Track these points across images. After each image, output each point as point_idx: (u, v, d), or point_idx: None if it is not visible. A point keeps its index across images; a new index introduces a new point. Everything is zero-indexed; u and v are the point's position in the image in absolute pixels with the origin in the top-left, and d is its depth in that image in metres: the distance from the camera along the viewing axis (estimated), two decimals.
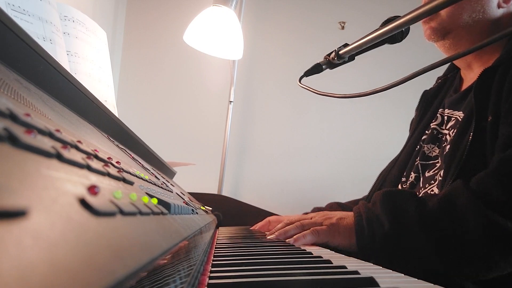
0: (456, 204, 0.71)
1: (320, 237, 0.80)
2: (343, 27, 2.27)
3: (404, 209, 0.75)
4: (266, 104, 2.26)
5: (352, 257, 0.65)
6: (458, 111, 0.96)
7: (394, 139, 1.91)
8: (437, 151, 0.97)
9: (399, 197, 0.79)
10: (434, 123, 1.02)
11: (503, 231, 0.66)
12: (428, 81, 1.17)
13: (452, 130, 0.94)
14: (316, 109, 2.24)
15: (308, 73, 1.02)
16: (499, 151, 0.76)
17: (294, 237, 0.80)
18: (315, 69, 1.01)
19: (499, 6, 0.91)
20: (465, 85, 1.01)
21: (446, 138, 0.95)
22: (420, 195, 0.90)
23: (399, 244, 0.73)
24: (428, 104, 1.10)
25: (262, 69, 2.28)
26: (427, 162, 0.98)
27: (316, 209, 1.15)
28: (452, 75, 1.09)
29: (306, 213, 1.03)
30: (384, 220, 0.76)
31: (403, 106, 2.04)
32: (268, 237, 0.85)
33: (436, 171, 0.94)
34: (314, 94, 0.98)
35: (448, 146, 0.90)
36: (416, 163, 1.00)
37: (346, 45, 0.94)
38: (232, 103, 2.12)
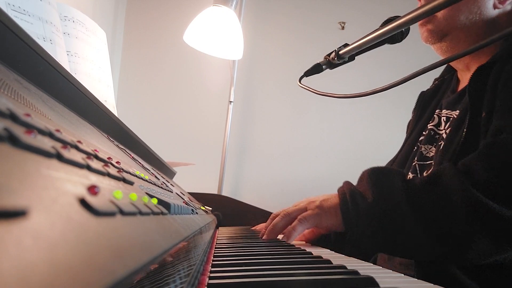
0: (442, 180, 0.72)
1: (309, 223, 0.80)
2: (343, 27, 2.27)
3: (389, 184, 0.76)
4: (266, 104, 2.26)
5: (352, 257, 0.65)
6: (455, 111, 0.96)
7: (394, 139, 1.90)
8: (434, 152, 0.98)
9: (385, 173, 0.80)
10: (431, 124, 1.02)
11: (485, 210, 0.67)
12: (428, 81, 1.17)
13: (449, 129, 0.94)
14: (316, 109, 2.24)
15: (308, 73, 1.02)
16: (488, 138, 0.77)
17: (285, 233, 0.80)
18: (315, 69, 1.01)
19: (495, 7, 0.91)
20: (461, 86, 1.01)
21: (443, 137, 0.95)
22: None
23: (383, 217, 0.73)
24: (425, 105, 1.10)
25: (262, 69, 2.28)
26: (424, 163, 0.98)
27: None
28: (449, 76, 1.09)
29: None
30: (368, 193, 0.76)
31: (403, 106, 2.03)
32: (260, 237, 0.86)
33: None
34: (314, 94, 0.98)
35: (443, 143, 0.91)
36: (413, 164, 1.01)
37: (346, 45, 0.94)
38: (232, 103, 2.12)
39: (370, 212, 0.75)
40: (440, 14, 0.92)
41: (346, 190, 0.80)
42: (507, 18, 0.92)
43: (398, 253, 0.81)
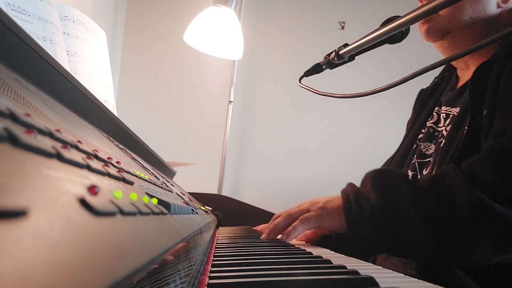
0: (446, 182, 0.72)
1: (310, 223, 0.80)
2: (343, 27, 2.27)
3: (393, 185, 0.76)
4: (266, 104, 2.26)
5: (352, 257, 0.65)
6: (455, 108, 0.96)
7: (394, 139, 1.90)
8: (433, 149, 0.97)
9: (389, 174, 0.79)
10: (430, 122, 1.02)
11: (490, 212, 0.66)
12: (428, 81, 1.17)
13: (449, 126, 0.94)
14: (316, 109, 2.24)
15: (308, 73, 1.02)
16: (491, 139, 0.77)
17: (285, 232, 0.80)
18: (315, 69, 1.01)
19: (498, 6, 0.91)
20: (461, 83, 1.01)
21: (443, 134, 0.95)
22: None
23: (387, 219, 0.73)
24: (424, 103, 1.10)
25: (262, 69, 2.28)
26: (423, 160, 0.98)
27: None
28: (449, 74, 1.09)
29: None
30: (372, 195, 0.76)
31: (403, 106, 2.03)
32: (261, 237, 0.85)
33: (432, 169, 0.94)
34: (314, 94, 0.98)
35: (443, 141, 0.90)
36: (413, 162, 1.01)
37: (346, 45, 0.94)
38: (232, 103, 2.12)
39: (374, 215, 0.74)
40: (442, 12, 0.92)
41: (350, 192, 0.80)
42: (509, 17, 0.91)
43: (400, 254, 0.81)
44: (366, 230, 0.75)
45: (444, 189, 0.71)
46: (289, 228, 0.81)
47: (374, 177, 0.79)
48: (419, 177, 0.98)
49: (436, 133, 0.99)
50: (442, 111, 1.00)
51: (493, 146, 0.73)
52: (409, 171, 1.01)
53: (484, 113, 0.81)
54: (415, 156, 1.01)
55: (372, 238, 0.74)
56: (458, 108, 0.93)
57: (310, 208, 0.83)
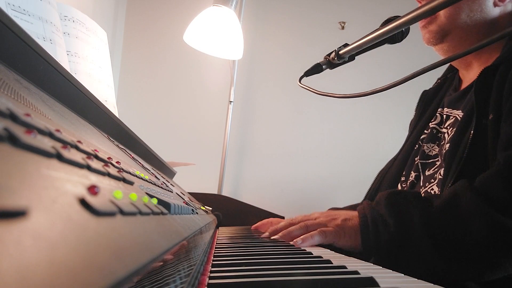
0: (460, 205, 0.71)
1: (327, 239, 0.80)
2: (343, 27, 2.27)
3: (408, 211, 0.75)
4: (266, 104, 2.26)
5: (352, 256, 0.65)
6: (457, 110, 0.96)
7: (394, 139, 1.90)
8: (437, 150, 0.97)
9: (403, 198, 0.79)
10: (433, 123, 1.02)
11: (507, 232, 0.66)
12: (428, 81, 1.17)
13: (451, 128, 0.94)
14: (316, 109, 2.24)
15: (308, 73, 1.02)
16: (501, 150, 0.76)
17: (302, 237, 0.79)
18: (315, 69, 1.01)
19: (495, 5, 0.91)
20: (464, 85, 1.01)
21: (444, 137, 0.95)
22: (422, 194, 0.90)
23: (404, 246, 0.73)
24: (427, 104, 1.10)
25: (262, 69, 2.28)
26: (426, 161, 0.98)
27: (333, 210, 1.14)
28: (452, 75, 1.09)
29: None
30: (389, 221, 0.76)
31: (403, 106, 2.04)
32: (272, 237, 0.85)
33: (436, 170, 0.94)
34: (314, 94, 0.98)
35: (447, 145, 0.90)
36: (416, 162, 1.01)
37: (346, 45, 0.94)
38: (232, 103, 2.12)
39: (391, 242, 0.74)
40: (441, 13, 0.92)
41: (368, 214, 0.79)
42: (509, 18, 0.92)
43: (411, 274, 0.81)
44: (381, 255, 0.75)
45: (460, 213, 0.71)
46: (307, 234, 0.80)
47: (387, 200, 0.78)
48: (421, 178, 0.98)
49: (439, 134, 0.99)
50: (445, 112, 1.00)
51: (506, 161, 0.72)
52: (412, 171, 1.01)
53: (490, 117, 0.80)
54: (418, 156, 1.01)
55: (386, 261, 0.74)
56: (461, 111, 0.93)
57: (328, 224, 0.83)
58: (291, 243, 0.81)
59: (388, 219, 0.76)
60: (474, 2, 0.90)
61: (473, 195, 0.70)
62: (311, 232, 0.80)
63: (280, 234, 0.84)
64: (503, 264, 0.67)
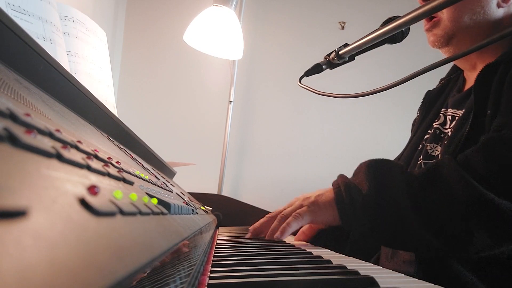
0: (442, 172, 0.72)
1: (304, 219, 0.80)
2: (343, 27, 2.27)
3: (387, 175, 0.76)
4: (266, 104, 2.26)
5: (347, 254, 0.65)
6: (461, 110, 0.96)
7: (394, 139, 1.91)
8: (440, 150, 0.98)
9: (384, 164, 0.79)
10: (436, 123, 1.02)
11: (486, 202, 0.66)
12: (429, 81, 1.17)
13: (454, 128, 0.94)
14: (316, 109, 2.24)
15: (308, 73, 1.02)
16: (486, 133, 0.77)
17: (279, 229, 0.80)
18: (315, 69, 1.00)
19: (498, 6, 0.91)
20: (468, 85, 1.01)
21: (448, 136, 0.95)
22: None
23: (381, 209, 0.73)
24: (431, 104, 1.10)
25: (262, 69, 2.28)
26: (430, 161, 0.98)
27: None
28: (456, 76, 1.09)
29: None
30: (364, 186, 0.76)
31: (404, 106, 2.04)
32: (252, 236, 0.86)
33: None
34: (314, 94, 0.98)
35: (447, 142, 0.91)
36: (419, 162, 1.01)
37: (346, 45, 0.94)
38: (232, 103, 2.12)
39: (366, 205, 0.74)
40: (444, 16, 0.92)
41: (341, 183, 0.80)
42: None
43: (397, 245, 0.81)
44: (360, 220, 0.75)
45: (439, 180, 0.71)
46: (283, 225, 0.80)
47: (368, 167, 0.79)
48: None
49: (442, 135, 0.99)
50: (448, 113, 1.00)
51: (488, 138, 0.73)
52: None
53: (487, 113, 0.81)
54: (421, 156, 1.01)
55: (367, 228, 0.74)
56: (464, 110, 0.94)
57: (302, 204, 0.83)
58: (274, 237, 0.81)
59: (364, 184, 0.76)
60: (476, 4, 0.90)
61: (455, 165, 0.71)
62: (287, 221, 0.80)
63: (266, 236, 0.85)
64: (482, 236, 0.67)
